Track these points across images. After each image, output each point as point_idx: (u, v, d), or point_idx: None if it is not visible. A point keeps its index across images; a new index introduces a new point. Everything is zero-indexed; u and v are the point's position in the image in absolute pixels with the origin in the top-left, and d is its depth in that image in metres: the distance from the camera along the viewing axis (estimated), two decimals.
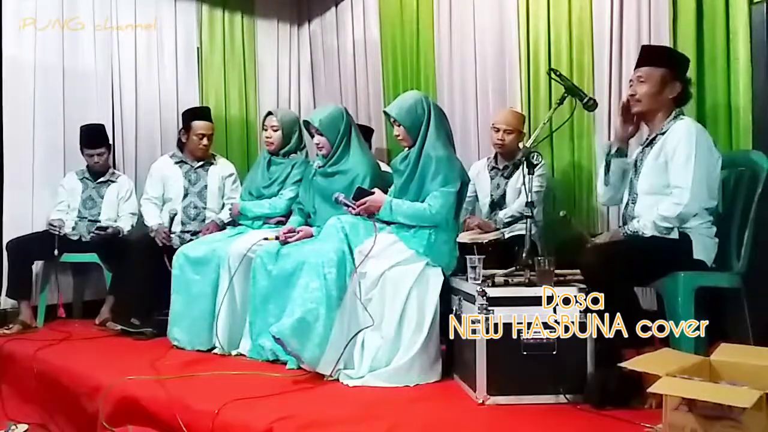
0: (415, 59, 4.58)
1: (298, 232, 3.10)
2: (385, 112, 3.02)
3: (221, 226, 3.87)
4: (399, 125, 2.88)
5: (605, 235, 2.64)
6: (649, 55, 2.60)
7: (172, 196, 4.03)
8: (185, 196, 4.01)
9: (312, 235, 3.10)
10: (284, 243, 3.05)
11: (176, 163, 4.07)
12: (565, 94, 2.68)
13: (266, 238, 3.09)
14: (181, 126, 4.12)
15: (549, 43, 3.78)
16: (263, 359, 2.90)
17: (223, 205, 4.10)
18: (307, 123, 3.29)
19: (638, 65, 2.60)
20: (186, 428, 2.16)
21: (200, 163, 4.07)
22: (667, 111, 2.55)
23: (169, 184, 4.04)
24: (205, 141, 4.01)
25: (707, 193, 2.42)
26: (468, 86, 4.25)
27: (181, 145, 4.12)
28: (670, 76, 2.53)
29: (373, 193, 2.87)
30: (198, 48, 4.98)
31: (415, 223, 2.76)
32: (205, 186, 4.05)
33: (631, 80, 2.63)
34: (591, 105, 2.68)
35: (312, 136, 3.28)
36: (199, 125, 4.00)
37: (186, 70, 4.90)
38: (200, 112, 4.12)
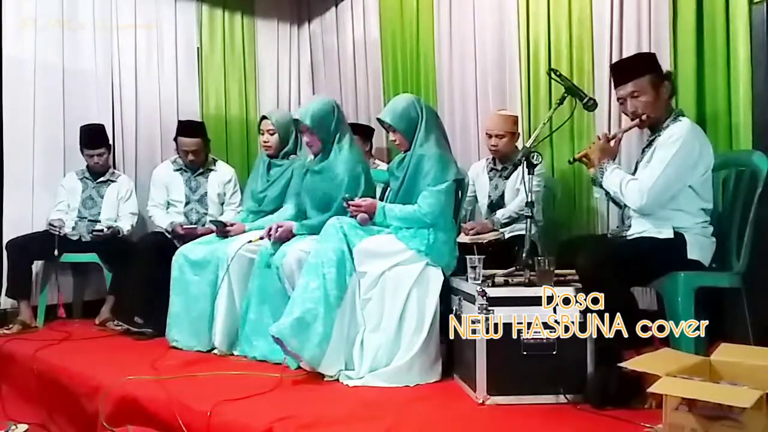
0: (415, 59, 4.58)
1: (279, 227, 3.02)
2: (378, 120, 2.97)
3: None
4: (394, 131, 2.87)
5: (596, 148, 2.59)
6: (627, 70, 2.56)
7: (175, 202, 4.04)
8: (187, 203, 4.03)
9: (292, 230, 3.03)
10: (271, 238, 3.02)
11: (176, 170, 4.07)
12: (565, 94, 2.67)
13: (250, 241, 3.08)
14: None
15: (549, 43, 3.78)
16: (261, 359, 2.90)
17: (223, 212, 4.10)
18: (296, 121, 3.16)
19: (619, 83, 2.56)
20: (186, 428, 2.16)
21: (200, 170, 4.07)
22: (667, 112, 2.56)
23: (171, 189, 4.06)
24: (191, 156, 4.00)
25: (666, 195, 2.40)
26: (468, 86, 4.24)
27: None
28: (656, 78, 2.52)
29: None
30: (198, 48, 4.99)
31: (407, 225, 2.76)
32: (205, 193, 4.06)
33: (619, 100, 2.59)
34: (591, 105, 2.68)
35: (300, 133, 3.24)
36: (183, 142, 3.99)
37: (186, 70, 4.90)
38: (186, 129, 4.04)
